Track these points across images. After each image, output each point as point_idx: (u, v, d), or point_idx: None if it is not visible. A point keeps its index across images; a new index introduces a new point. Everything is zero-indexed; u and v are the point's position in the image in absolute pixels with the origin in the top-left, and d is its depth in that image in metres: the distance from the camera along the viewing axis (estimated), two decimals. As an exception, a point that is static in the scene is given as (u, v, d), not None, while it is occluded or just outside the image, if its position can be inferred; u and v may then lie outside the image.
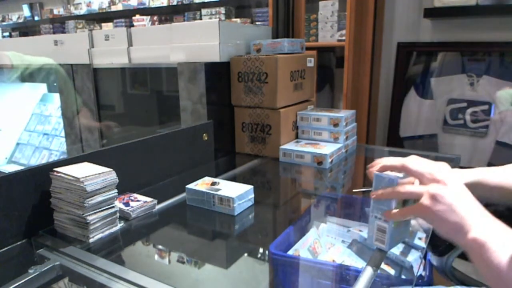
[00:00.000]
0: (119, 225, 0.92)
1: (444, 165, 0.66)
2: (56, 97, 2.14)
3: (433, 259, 1.08)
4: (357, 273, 0.61)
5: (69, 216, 0.85)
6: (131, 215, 0.96)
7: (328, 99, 2.50)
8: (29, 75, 1.99)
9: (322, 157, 1.35)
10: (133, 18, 3.89)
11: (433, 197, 0.59)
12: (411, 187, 0.63)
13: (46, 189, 0.87)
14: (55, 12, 4.64)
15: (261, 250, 0.89)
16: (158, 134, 1.24)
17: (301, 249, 0.79)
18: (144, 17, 3.83)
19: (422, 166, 0.64)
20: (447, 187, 0.60)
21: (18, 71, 1.96)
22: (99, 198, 0.85)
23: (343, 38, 2.11)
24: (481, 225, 0.57)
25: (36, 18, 4.88)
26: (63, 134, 2.03)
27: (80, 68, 1.88)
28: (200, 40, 1.48)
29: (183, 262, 0.84)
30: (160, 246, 0.91)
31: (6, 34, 5.26)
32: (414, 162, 0.65)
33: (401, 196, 0.63)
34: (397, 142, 2.16)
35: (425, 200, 0.59)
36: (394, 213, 0.63)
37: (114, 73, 1.85)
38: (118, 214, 0.91)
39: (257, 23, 3.10)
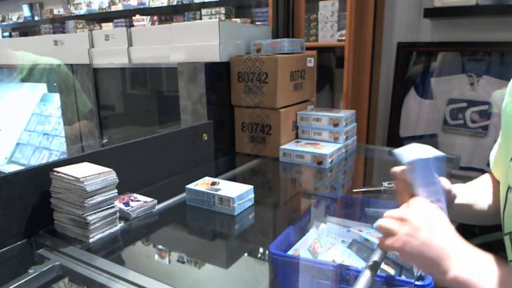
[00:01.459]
0: (119, 225, 0.92)
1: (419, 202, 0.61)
2: (56, 97, 2.14)
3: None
4: (357, 273, 0.61)
5: (69, 216, 0.85)
6: (131, 215, 0.96)
7: (328, 99, 2.50)
8: (34, 75, 1.99)
9: (322, 157, 1.35)
10: (133, 18, 3.89)
11: (407, 235, 0.56)
12: (389, 223, 0.59)
13: (46, 189, 0.87)
14: (55, 12, 4.64)
15: (261, 250, 0.89)
16: (158, 134, 1.25)
17: (301, 249, 0.79)
18: (144, 17, 3.83)
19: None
20: (418, 221, 0.57)
21: (24, 71, 1.96)
22: (99, 198, 0.85)
23: (343, 38, 2.11)
24: (460, 260, 0.54)
25: (36, 18, 4.88)
26: (63, 134, 2.03)
27: (80, 68, 1.88)
28: (200, 40, 1.48)
29: (183, 262, 0.84)
30: (160, 246, 0.91)
31: (6, 34, 5.26)
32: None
33: (379, 229, 0.60)
34: (397, 142, 2.16)
35: (395, 241, 0.56)
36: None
37: (114, 73, 1.85)
38: (118, 214, 0.91)
39: (257, 23, 3.10)
